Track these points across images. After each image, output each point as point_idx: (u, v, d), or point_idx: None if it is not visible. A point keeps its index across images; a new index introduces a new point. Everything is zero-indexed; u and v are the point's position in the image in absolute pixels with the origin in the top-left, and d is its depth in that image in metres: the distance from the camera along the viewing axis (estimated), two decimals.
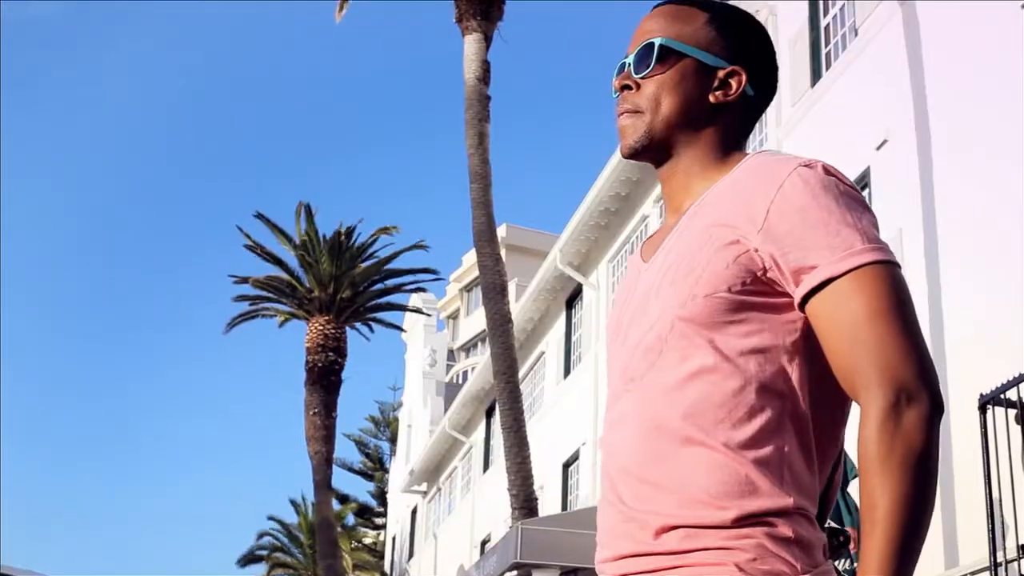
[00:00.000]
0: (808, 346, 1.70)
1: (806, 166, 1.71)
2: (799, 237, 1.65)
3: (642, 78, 1.87)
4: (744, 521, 1.62)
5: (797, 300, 1.67)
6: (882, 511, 1.53)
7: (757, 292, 1.69)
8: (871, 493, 1.55)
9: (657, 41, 1.87)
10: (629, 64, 1.89)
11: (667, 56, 1.86)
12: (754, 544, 1.61)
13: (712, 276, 1.69)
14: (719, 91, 1.86)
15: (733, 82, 1.86)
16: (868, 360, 1.60)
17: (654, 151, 1.87)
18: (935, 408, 1.58)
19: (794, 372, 1.69)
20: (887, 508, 1.53)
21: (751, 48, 1.90)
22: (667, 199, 1.90)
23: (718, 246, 1.70)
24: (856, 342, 1.61)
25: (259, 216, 29.21)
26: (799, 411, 1.69)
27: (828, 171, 1.71)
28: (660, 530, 1.67)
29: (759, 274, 1.69)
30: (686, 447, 1.67)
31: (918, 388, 1.58)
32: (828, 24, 14.75)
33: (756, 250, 1.68)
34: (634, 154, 1.88)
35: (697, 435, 1.67)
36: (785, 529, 1.62)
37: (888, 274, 1.64)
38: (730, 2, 14.75)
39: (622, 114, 1.88)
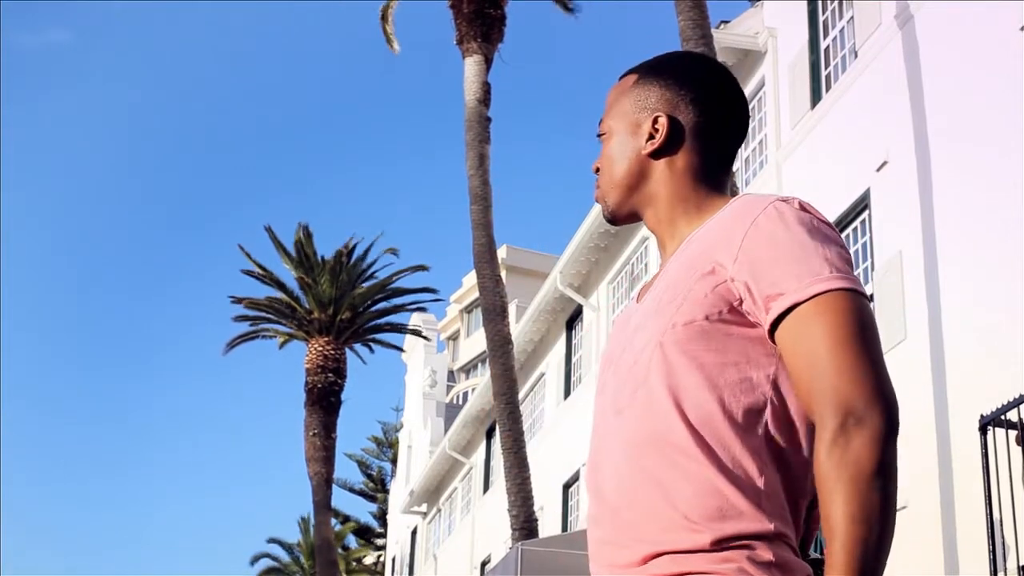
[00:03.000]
0: (786, 377, 1.75)
1: (782, 201, 1.78)
2: (770, 266, 1.72)
3: (598, 161, 2.04)
4: (723, 544, 1.66)
5: (767, 328, 1.73)
6: (837, 528, 1.57)
7: (734, 322, 1.75)
8: (825, 513, 1.60)
9: (613, 108, 2.03)
10: None
11: (604, 133, 2.03)
12: (735, 568, 1.65)
13: (691, 305, 1.76)
14: (648, 142, 1.96)
15: (659, 126, 1.95)
16: (821, 383, 1.65)
17: (625, 215, 2.02)
18: (887, 430, 1.62)
19: (773, 401, 1.74)
20: (840, 524, 1.57)
21: (688, 83, 1.97)
22: (659, 247, 2.00)
23: (697, 276, 1.78)
24: (813, 366, 1.66)
25: (267, 230, 29.21)
26: (778, 439, 1.74)
27: (803, 207, 1.78)
28: (646, 558, 1.72)
29: (735, 304, 1.75)
30: (668, 472, 1.72)
31: (867, 411, 1.62)
32: (828, 46, 14.80)
33: (732, 280, 1.74)
34: (612, 222, 2.06)
35: (679, 460, 1.72)
36: (765, 553, 1.66)
37: (850, 301, 1.69)
38: (735, 20, 14.70)
39: (596, 191, 2.05)
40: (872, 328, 1.70)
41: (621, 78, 2.05)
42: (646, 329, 1.82)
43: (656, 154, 1.95)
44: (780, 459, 1.73)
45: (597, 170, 2.03)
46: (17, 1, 71.22)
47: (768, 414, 1.73)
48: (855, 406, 1.62)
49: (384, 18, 24.47)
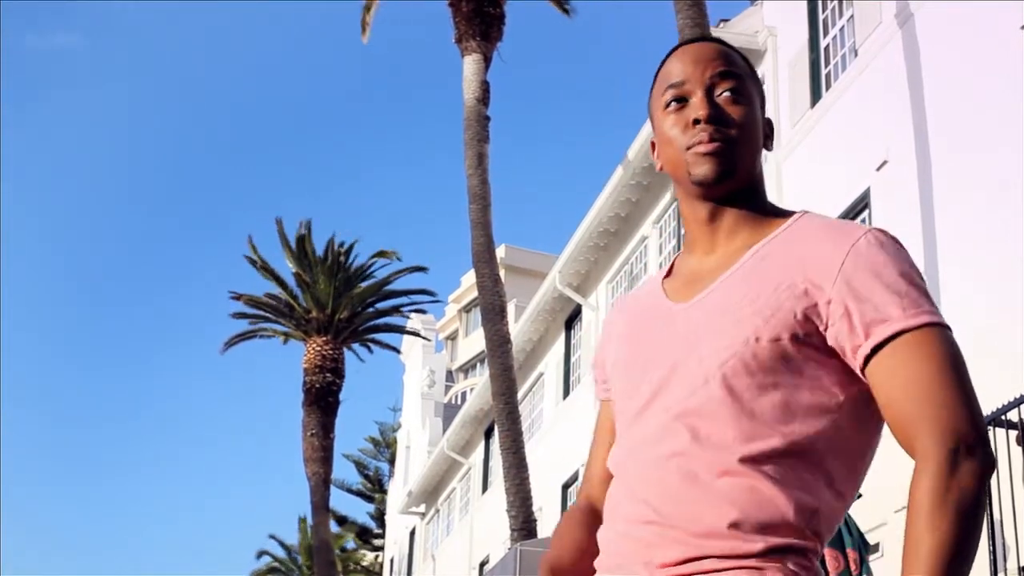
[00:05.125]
0: (853, 404, 1.78)
1: (879, 231, 1.81)
2: (873, 291, 1.73)
3: (728, 116, 1.87)
4: (769, 552, 1.69)
5: (865, 351, 1.73)
6: (927, 549, 1.58)
7: (815, 347, 1.76)
8: (919, 533, 1.60)
9: (745, 80, 1.91)
10: (711, 90, 1.89)
11: (748, 97, 1.90)
12: (776, 567, 1.69)
13: (778, 323, 1.76)
14: (767, 141, 1.94)
15: (771, 134, 1.97)
16: (932, 413, 1.67)
17: (734, 184, 1.87)
18: (988, 464, 1.65)
19: (839, 429, 1.77)
20: (932, 546, 1.58)
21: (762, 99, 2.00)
22: (700, 237, 1.91)
23: (789, 295, 1.77)
24: (920, 395, 1.68)
25: (277, 222, 29.18)
26: (837, 466, 1.77)
27: (895, 239, 1.82)
28: (680, 560, 1.72)
29: (820, 328, 1.76)
30: (722, 479, 1.73)
31: (976, 443, 1.65)
32: (828, 45, 14.76)
33: (829, 303, 1.75)
34: (723, 177, 1.84)
35: (737, 469, 1.73)
36: (805, 560, 1.71)
37: (950, 337, 1.74)
38: (735, 19, 14.68)
39: (715, 140, 1.85)
40: (965, 363, 1.74)
41: (725, 47, 1.94)
42: (715, 335, 1.79)
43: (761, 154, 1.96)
44: (834, 485, 1.77)
45: (718, 119, 1.86)
46: (25, 2, 71.29)
47: (834, 441, 1.76)
48: (966, 437, 1.65)
49: (367, 8, 24.47)
